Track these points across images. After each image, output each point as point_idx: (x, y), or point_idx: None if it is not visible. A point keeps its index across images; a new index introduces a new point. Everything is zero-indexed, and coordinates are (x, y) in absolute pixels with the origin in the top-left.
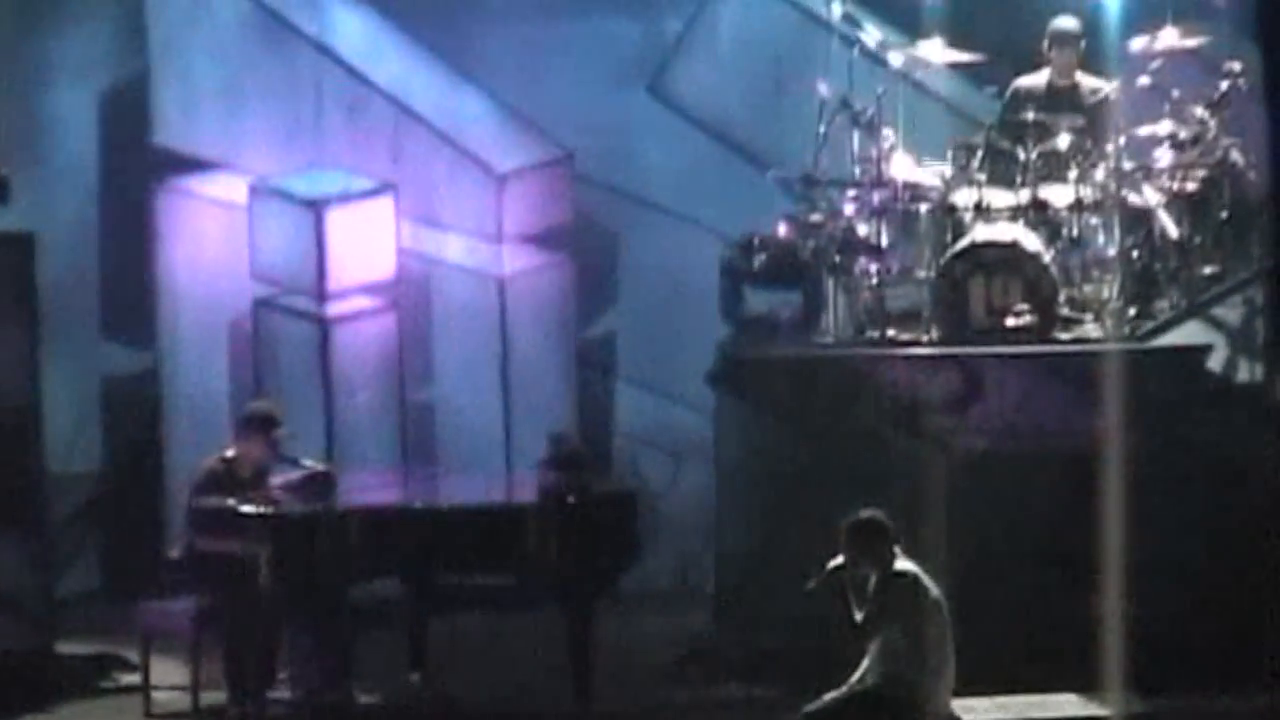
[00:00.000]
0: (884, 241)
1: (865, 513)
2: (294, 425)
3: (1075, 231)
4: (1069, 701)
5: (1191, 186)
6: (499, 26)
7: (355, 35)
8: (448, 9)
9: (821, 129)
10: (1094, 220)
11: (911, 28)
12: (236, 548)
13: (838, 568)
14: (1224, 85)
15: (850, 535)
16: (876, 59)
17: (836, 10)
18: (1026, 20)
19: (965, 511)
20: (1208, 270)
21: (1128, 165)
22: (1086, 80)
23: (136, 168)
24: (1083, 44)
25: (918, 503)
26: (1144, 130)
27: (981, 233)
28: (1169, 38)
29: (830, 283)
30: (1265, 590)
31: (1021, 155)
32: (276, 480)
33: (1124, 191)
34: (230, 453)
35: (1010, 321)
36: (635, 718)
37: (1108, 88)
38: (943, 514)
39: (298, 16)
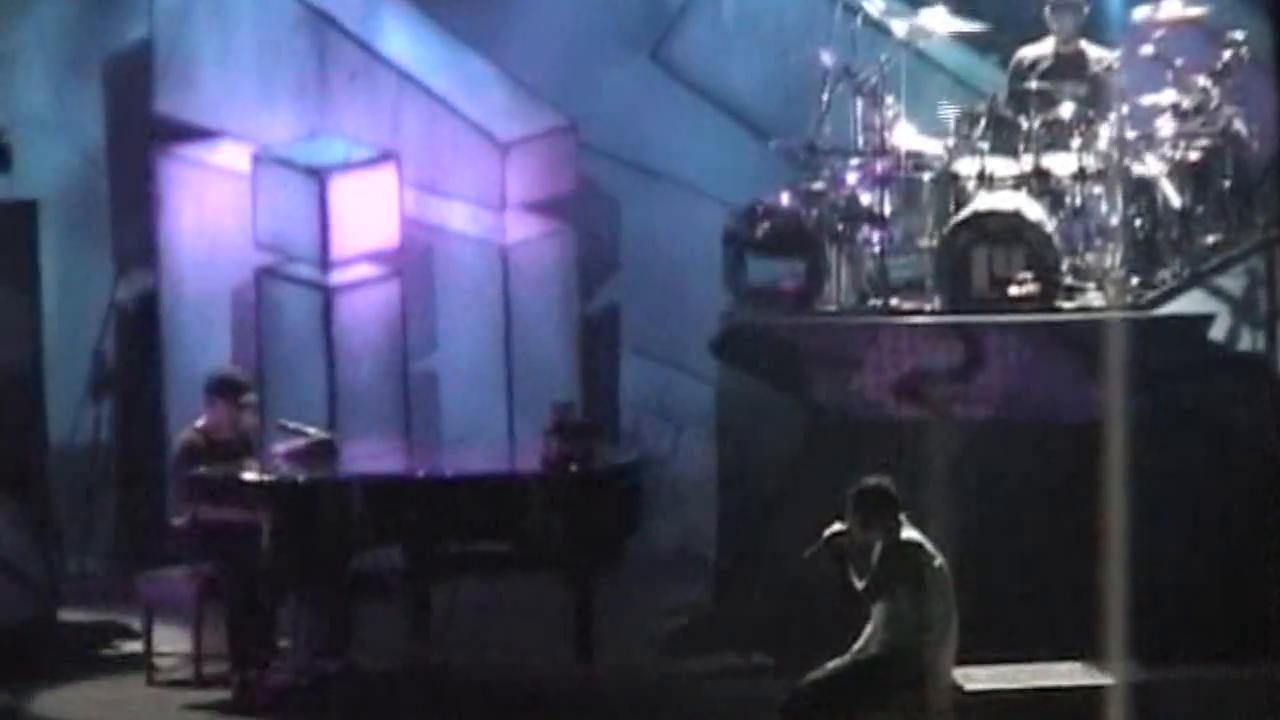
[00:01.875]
0: (887, 210)
1: (872, 480)
2: (297, 394)
3: (1078, 200)
4: (1070, 670)
5: (1194, 156)
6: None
7: (357, 2)
8: None
9: (825, 98)
10: (1097, 189)
11: None
12: (237, 516)
13: (836, 533)
14: (1227, 55)
15: (856, 502)
16: (880, 27)
17: None
18: None
19: (968, 480)
20: (1210, 239)
21: (1131, 134)
22: (1090, 49)
23: (139, 135)
24: (1085, 11)
25: (920, 471)
26: (1147, 99)
27: (984, 201)
28: (1172, 7)
29: (833, 251)
30: (1266, 559)
31: (1024, 124)
32: (279, 448)
33: (1127, 160)
34: (201, 422)
35: (1013, 290)
36: (637, 685)
37: (1111, 57)
38: (945, 483)
39: None
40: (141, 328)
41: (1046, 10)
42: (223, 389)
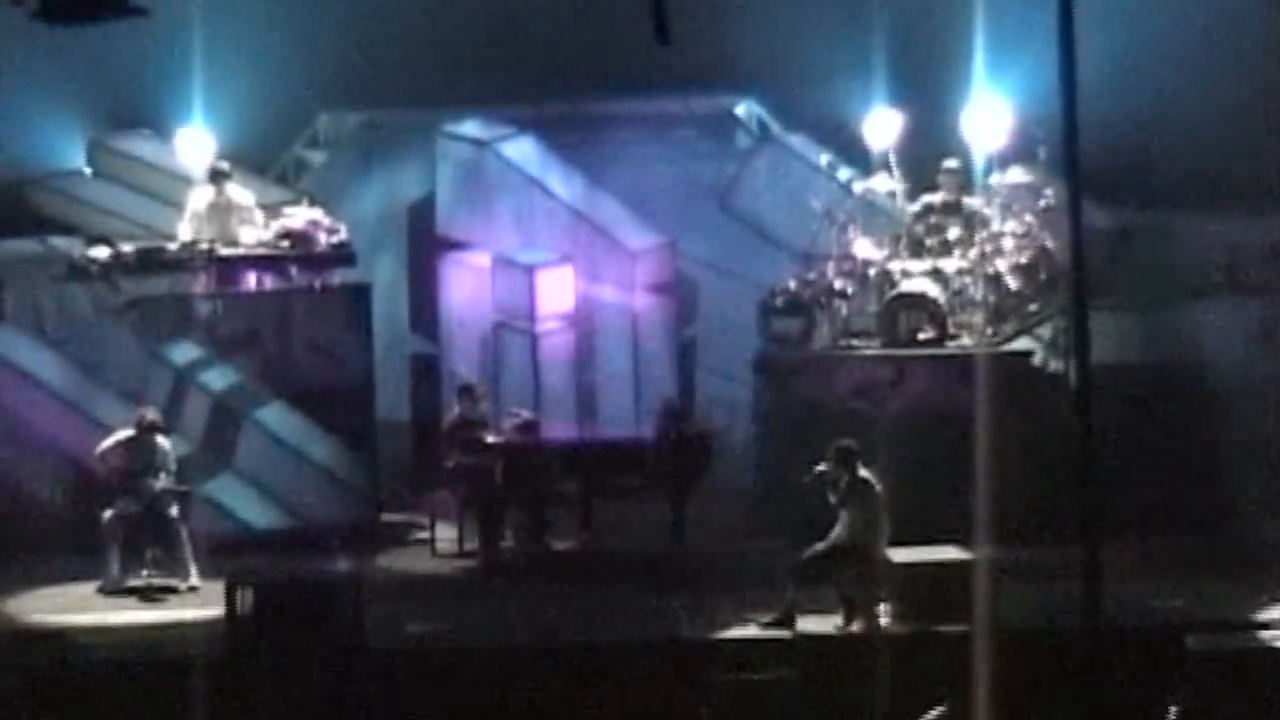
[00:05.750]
0: (850, 291)
1: (843, 441)
2: (518, 395)
3: (958, 286)
4: (950, 550)
5: (1025, 260)
6: (636, 172)
7: (553, 173)
8: (606, 165)
9: (815, 228)
10: (969, 279)
11: (866, 168)
12: (482, 461)
13: (821, 472)
14: (1043, 203)
15: (834, 453)
16: (846, 188)
17: (824, 160)
18: (932, 163)
19: (895, 445)
20: (1033, 307)
21: (988, 248)
22: (965, 199)
23: (429, 246)
24: (962, 177)
25: (869, 439)
26: (997, 228)
27: (905, 286)
28: (1014, 175)
29: (819, 314)
30: (1064, 484)
31: (928, 242)
32: (506, 424)
33: (986, 264)
34: (457, 409)
35: (921, 336)
36: (710, 556)
37: (978, 203)
38: (884, 446)
39: (524, 162)
40: (427, 359)
41: (940, 177)
42: (465, 393)
